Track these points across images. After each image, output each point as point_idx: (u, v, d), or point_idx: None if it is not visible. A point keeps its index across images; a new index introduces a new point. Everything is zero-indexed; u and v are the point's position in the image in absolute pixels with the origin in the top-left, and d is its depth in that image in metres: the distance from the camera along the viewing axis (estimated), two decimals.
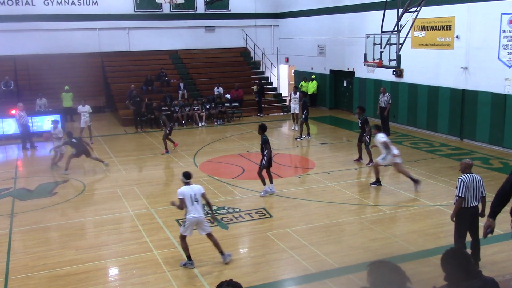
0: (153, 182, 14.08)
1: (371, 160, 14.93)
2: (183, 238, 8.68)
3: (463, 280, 4.10)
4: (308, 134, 19.33)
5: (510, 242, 9.52)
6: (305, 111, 19.05)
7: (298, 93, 21.10)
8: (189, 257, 8.73)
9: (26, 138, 18.75)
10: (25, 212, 11.78)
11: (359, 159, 15.64)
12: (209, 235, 8.81)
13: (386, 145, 12.86)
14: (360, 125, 15.38)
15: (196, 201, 8.57)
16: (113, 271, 8.89)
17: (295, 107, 20.69)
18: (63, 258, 9.24)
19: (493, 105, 16.95)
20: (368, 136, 15.05)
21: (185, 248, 8.71)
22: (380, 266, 3.88)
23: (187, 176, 8.78)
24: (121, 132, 21.73)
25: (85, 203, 12.49)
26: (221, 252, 8.81)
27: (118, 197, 12.70)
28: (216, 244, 8.78)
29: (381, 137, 13.05)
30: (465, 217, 8.21)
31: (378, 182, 13.25)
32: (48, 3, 26.52)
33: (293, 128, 21.36)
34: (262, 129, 12.51)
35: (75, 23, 26.85)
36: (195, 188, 8.68)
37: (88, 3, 27.24)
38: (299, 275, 8.52)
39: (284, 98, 28.24)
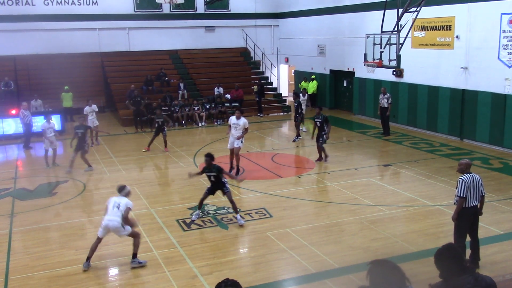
0: (153, 182, 14.08)
1: (320, 158, 15.72)
2: (98, 239, 8.87)
3: (457, 275, 4.13)
4: (297, 136, 19.27)
5: (510, 242, 9.54)
6: (300, 112, 19.21)
7: (306, 94, 20.69)
8: (88, 258, 8.82)
9: (29, 137, 18.78)
10: (25, 212, 11.78)
11: (320, 159, 15.74)
12: (134, 234, 8.95)
13: (246, 131, 14.33)
14: (319, 124, 15.53)
15: (117, 207, 8.77)
16: (113, 271, 8.90)
17: (303, 109, 20.14)
18: (63, 258, 9.24)
19: (493, 105, 16.96)
20: (326, 136, 15.54)
21: (92, 249, 8.84)
22: (379, 265, 3.89)
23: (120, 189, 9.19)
24: (121, 132, 21.73)
25: (85, 203, 12.49)
26: (134, 255, 8.88)
27: None
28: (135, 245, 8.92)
29: (246, 123, 14.30)
30: (466, 217, 8.21)
31: (238, 169, 14.42)
32: (48, 3, 26.52)
33: (304, 130, 20.49)
34: (212, 158, 10.99)
35: (75, 23, 26.86)
36: (123, 200, 8.92)
37: (88, 3, 27.24)
38: (299, 275, 8.53)
39: (284, 98, 28.24)
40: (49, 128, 15.62)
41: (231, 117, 14.82)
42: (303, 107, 20.10)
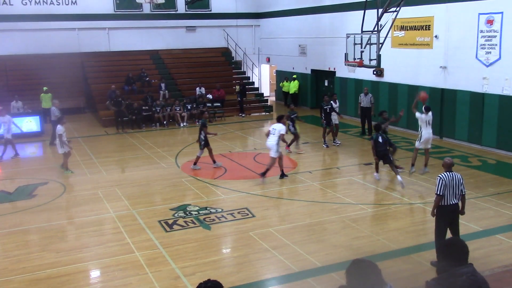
0: (134, 183, 13.98)
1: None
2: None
3: (457, 266, 4.22)
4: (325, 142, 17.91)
5: (489, 239, 9.69)
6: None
7: (337, 101, 18.59)
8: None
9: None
10: (3, 215, 11.60)
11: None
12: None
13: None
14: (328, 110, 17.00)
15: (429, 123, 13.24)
16: (95, 273, 8.82)
17: (335, 118, 18.03)
18: (43, 261, 9.12)
19: (472, 103, 17.20)
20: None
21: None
22: (356, 265, 3.95)
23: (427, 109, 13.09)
24: (101, 133, 21.54)
25: (66, 205, 12.35)
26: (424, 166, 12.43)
27: (99, 199, 12.58)
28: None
29: None
30: (444, 215, 8.31)
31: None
32: (26, 2, 26.16)
33: (337, 143, 18.06)
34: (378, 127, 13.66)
35: (54, 23, 26.52)
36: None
37: (67, 3, 26.93)
38: (282, 275, 8.54)
39: (265, 98, 28.25)
40: (64, 132, 15.26)
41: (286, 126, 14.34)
42: (335, 116, 17.84)
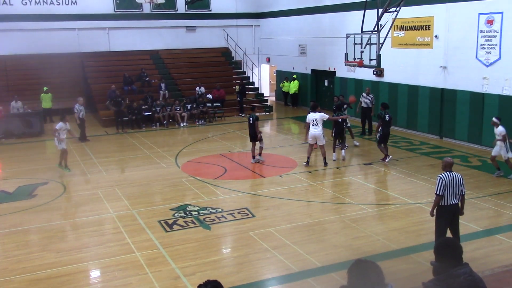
0: (134, 183, 13.98)
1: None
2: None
3: (452, 267, 4.24)
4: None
5: (489, 239, 9.69)
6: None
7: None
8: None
9: (85, 130, 19.48)
10: (4, 215, 11.60)
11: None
12: None
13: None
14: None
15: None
16: (95, 273, 8.82)
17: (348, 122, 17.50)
18: (43, 261, 9.13)
19: (472, 103, 17.20)
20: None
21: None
22: (358, 265, 3.95)
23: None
24: (101, 133, 21.54)
25: (66, 205, 12.36)
26: None
27: (99, 199, 12.58)
28: None
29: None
30: (445, 215, 8.31)
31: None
32: (26, 2, 26.16)
33: (357, 144, 18.07)
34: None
35: (54, 23, 26.52)
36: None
37: (67, 3, 26.93)
38: (282, 275, 8.54)
39: (265, 98, 28.25)
40: (65, 129, 15.27)
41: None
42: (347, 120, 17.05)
